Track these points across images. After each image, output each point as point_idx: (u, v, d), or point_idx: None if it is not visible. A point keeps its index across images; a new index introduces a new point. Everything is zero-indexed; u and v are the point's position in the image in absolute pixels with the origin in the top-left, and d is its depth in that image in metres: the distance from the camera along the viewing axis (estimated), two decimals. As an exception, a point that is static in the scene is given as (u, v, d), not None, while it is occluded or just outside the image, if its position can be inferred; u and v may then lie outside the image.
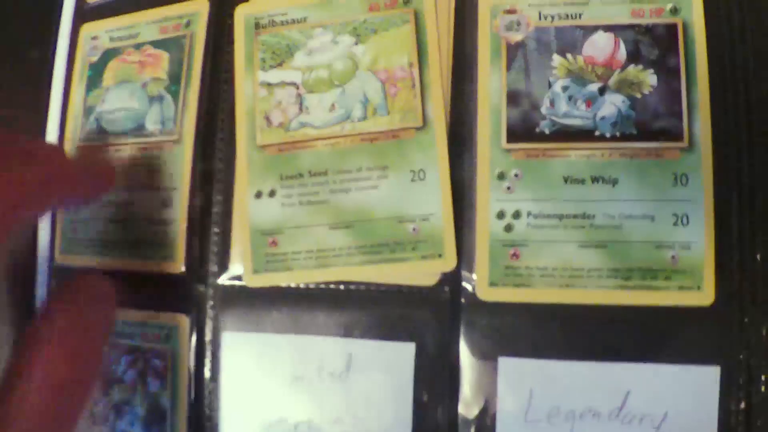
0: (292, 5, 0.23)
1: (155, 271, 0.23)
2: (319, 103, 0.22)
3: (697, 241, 0.19)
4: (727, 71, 0.20)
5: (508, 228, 0.20)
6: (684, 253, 0.19)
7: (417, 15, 0.22)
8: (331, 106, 0.22)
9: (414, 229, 0.21)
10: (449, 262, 0.20)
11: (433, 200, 0.21)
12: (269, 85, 0.23)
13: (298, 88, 0.23)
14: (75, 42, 0.26)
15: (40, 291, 0.26)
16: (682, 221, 0.19)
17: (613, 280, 0.20)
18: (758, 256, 0.19)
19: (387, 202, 0.21)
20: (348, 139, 0.22)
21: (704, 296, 0.19)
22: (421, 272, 0.21)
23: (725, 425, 0.19)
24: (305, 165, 0.22)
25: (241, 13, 0.24)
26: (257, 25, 0.23)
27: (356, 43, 0.22)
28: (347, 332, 0.21)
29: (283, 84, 0.23)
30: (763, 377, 0.19)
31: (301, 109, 0.22)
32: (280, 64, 0.23)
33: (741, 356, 0.19)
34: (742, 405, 0.19)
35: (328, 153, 0.22)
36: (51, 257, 0.26)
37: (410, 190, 0.21)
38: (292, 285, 0.21)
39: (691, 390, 0.19)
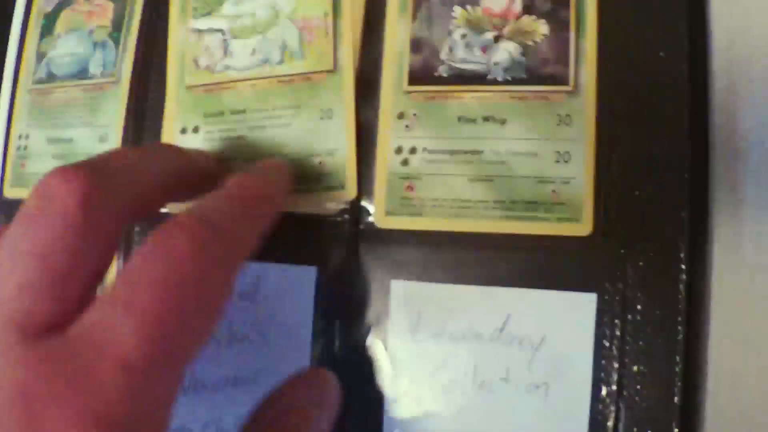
0: None
1: None
2: (242, 48, 0.24)
3: (576, 177, 0.21)
4: (613, 22, 0.21)
5: (405, 162, 0.22)
6: (564, 188, 0.21)
7: None
8: (252, 51, 0.24)
9: (320, 163, 0.23)
10: (350, 193, 0.22)
11: (338, 137, 0.23)
12: (199, 31, 0.25)
13: (224, 34, 0.24)
14: (33, -5, 0.29)
15: None
16: (563, 159, 0.21)
17: (498, 211, 0.21)
18: (636, 193, 0.21)
19: (298, 138, 0.23)
20: (266, 81, 0.23)
21: (582, 228, 0.21)
22: (324, 202, 0.22)
23: (600, 349, 0.20)
24: (227, 104, 0.24)
25: None
26: None
27: None
28: (260, 256, 0.23)
29: (211, 30, 0.25)
30: (638, 306, 0.20)
31: (225, 53, 0.24)
32: (209, 13, 0.25)
33: (618, 285, 0.20)
34: (617, 332, 0.20)
35: (248, 94, 0.24)
36: (1, 191, 0.28)
37: (319, 127, 0.23)
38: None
39: (568, 315, 0.20)
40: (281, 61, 0.24)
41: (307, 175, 0.23)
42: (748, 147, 0.21)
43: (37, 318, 0.14)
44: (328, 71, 0.23)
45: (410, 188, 0.22)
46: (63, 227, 0.15)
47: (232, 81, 0.24)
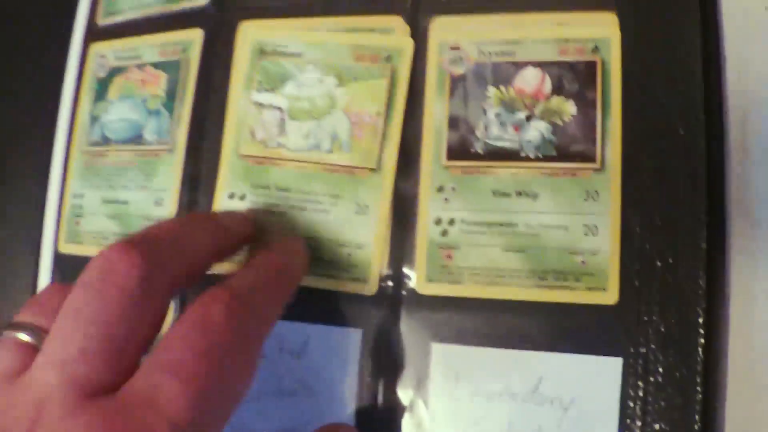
0: (294, 41, 0.26)
1: None
2: (297, 130, 0.25)
3: (603, 248, 0.22)
4: (638, 104, 0.23)
5: (444, 233, 0.24)
6: (592, 258, 0.22)
7: (393, 72, 0.25)
8: (306, 134, 0.25)
9: (349, 255, 0.24)
10: (371, 289, 0.24)
11: (369, 233, 0.24)
12: (260, 105, 0.26)
13: (282, 112, 0.26)
14: (84, 59, 0.30)
15: (43, 277, 0.30)
16: (591, 231, 0.22)
17: (530, 280, 0.23)
18: (658, 263, 0.22)
19: (333, 226, 0.25)
20: (313, 166, 0.25)
21: (609, 296, 0.22)
22: (349, 289, 0.24)
23: (625, 409, 0.22)
24: (274, 179, 0.25)
25: (248, 37, 0.27)
26: (261, 51, 0.27)
27: (338, 85, 0.25)
28: (310, 319, 0.25)
29: (271, 106, 0.26)
30: (660, 369, 0.22)
31: (281, 131, 0.26)
32: (272, 89, 0.26)
33: (641, 350, 0.22)
34: (641, 393, 0.21)
35: (294, 173, 0.25)
36: (55, 246, 0.30)
37: (352, 220, 0.25)
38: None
39: (596, 378, 0.22)
40: (330, 150, 0.25)
41: (335, 263, 0.25)
42: (762, 217, 0.22)
43: (96, 380, 0.16)
44: (371, 169, 0.25)
45: (449, 257, 0.23)
46: (123, 299, 0.16)
47: (282, 159, 0.26)
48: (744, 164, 0.23)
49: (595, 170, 0.23)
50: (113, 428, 0.15)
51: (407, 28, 0.25)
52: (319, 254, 0.25)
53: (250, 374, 0.18)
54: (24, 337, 0.18)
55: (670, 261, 0.22)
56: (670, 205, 0.22)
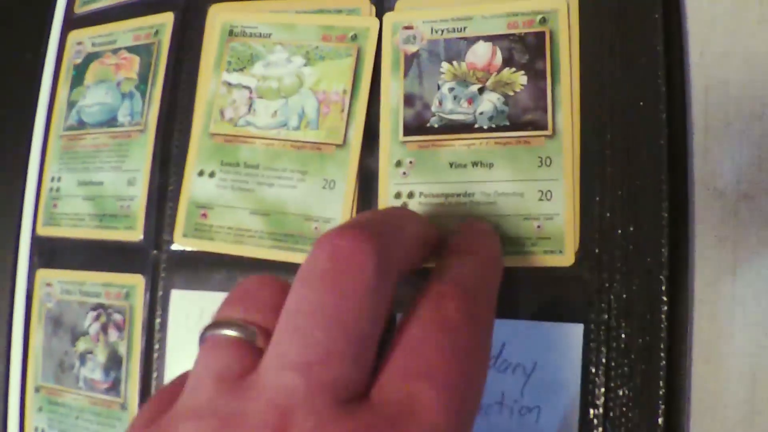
0: (262, 22, 0.27)
1: (120, 239, 0.28)
2: (264, 109, 0.26)
3: (559, 213, 0.22)
4: (595, 76, 0.23)
5: (404, 206, 0.24)
6: (548, 223, 0.22)
7: (359, 51, 0.26)
8: (273, 112, 0.26)
9: (316, 228, 0.25)
10: None
11: (336, 207, 0.25)
12: (229, 84, 0.27)
13: (251, 92, 0.27)
14: (63, 46, 0.32)
15: (22, 260, 0.31)
16: (546, 197, 0.23)
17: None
18: (618, 231, 0.22)
19: (300, 201, 0.25)
20: (281, 143, 0.26)
21: (565, 259, 0.22)
22: None
23: (587, 375, 0.22)
24: (243, 157, 0.26)
25: (217, 19, 0.28)
26: (231, 32, 0.27)
27: (305, 65, 0.26)
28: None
29: (240, 86, 0.27)
30: (623, 335, 0.22)
31: (249, 110, 0.26)
32: (241, 69, 0.27)
33: (603, 316, 0.22)
34: (603, 359, 0.22)
35: (262, 151, 0.26)
36: (33, 229, 0.31)
37: (320, 195, 0.25)
38: (229, 253, 0.26)
39: (558, 344, 0.22)
40: (297, 128, 0.26)
41: (303, 237, 0.25)
42: (724, 188, 0.23)
43: (346, 385, 0.14)
44: (337, 145, 0.25)
45: None
46: (364, 294, 0.15)
47: (250, 136, 0.26)
48: (706, 137, 0.23)
49: (547, 137, 0.23)
50: None
51: (372, 9, 0.26)
52: (287, 229, 0.25)
53: (487, 368, 0.18)
54: (236, 333, 0.16)
55: (631, 229, 0.22)
56: (632, 175, 0.23)
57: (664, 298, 0.22)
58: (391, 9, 0.26)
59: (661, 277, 0.22)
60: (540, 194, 0.23)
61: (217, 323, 0.16)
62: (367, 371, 0.15)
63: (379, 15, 0.26)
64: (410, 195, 0.24)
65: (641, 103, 0.23)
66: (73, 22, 0.32)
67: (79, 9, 0.32)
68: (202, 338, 0.16)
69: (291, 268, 0.25)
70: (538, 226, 0.23)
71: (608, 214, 0.23)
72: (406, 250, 0.18)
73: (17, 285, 0.31)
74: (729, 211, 0.23)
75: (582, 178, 0.23)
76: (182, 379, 0.17)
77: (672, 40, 0.23)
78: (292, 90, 0.26)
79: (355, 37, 0.26)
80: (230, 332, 0.16)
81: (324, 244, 0.15)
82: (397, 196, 0.25)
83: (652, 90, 0.23)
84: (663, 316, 0.22)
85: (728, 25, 0.24)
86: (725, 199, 0.23)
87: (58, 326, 0.29)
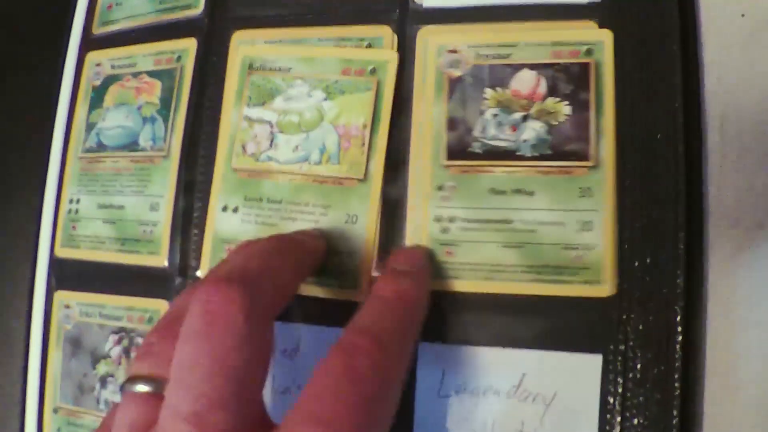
0: (282, 55, 0.27)
1: (143, 264, 0.28)
2: (286, 143, 0.27)
3: (598, 244, 0.23)
4: (625, 108, 0.24)
5: (444, 230, 0.25)
6: (587, 253, 0.23)
7: (379, 84, 0.26)
8: (295, 147, 0.26)
9: (340, 263, 0.25)
10: (363, 294, 0.25)
11: (359, 241, 0.25)
12: (250, 119, 0.27)
13: (272, 126, 0.27)
14: (80, 67, 0.32)
15: (40, 281, 0.31)
16: (586, 228, 0.24)
17: (528, 275, 0.23)
18: (636, 263, 0.23)
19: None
20: (303, 178, 0.26)
21: (603, 289, 0.23)
22: (336, 294, 0.25)
23: (605, 404, 0.23)
24: (266, 192, 0.26)
25: (239, 53, 0.28)
26: (251, 66, 0.28)
27: (326, 99, 0.27)
28: (299, 319, 0.26)
29: (261, 120, 0.27)
30: (638, 365, 0.23)
31: (271, 145, 0.27)
32: (262, 103, 0.27)
33: (620, 347, 0.22)
34: (620, 389, 0.23)
35: (285, 186, 0.26)
36: (51, 250, 0.31)
37: (343, 229, 0.26)
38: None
39: (577, 374, 0.23)
40: (319, 162, 0.26)
41: (327, 271, 0.26)
42: (739, 217, 0.23)
43: (241, 425, 0.16)
44: (359, 179, 0.26)
45: (450, 254, 0.25)
46: (236, 342, 0.17)
47: (272, 171, 0.27)
48: (722, 166, 0.24)
49: (589, 168, 0.24)
50: None
51: (395, 38, 0.27)
52: None
53: (393, 416, 0.19)
54: (144, 388, 0.18)
55: (649, 261, 0.23)
56: (650, 206, 0.23)
57: (680, 329, 0.22)
58: (413, 37, 0.27)
59: (676, 307, 0.23)
60: (580, 225, 0.24)
61: (130, 379, 0.19)
62: (253, 413, 0.17)
63: (402, 45, 0.27)
64: (451, 219, 0.25)
65: (659, 136, 0.24)
66: (90, 42, 0.32)
67: (97, 30, 0.32)
68: (121, 391, 0.19)
69: (314, 302, 0.26)
70: (577, 256, 0.24)
71: (627, 246, 0.24)
72: (281, 286, 0.20)
73: (34, 306, 0.31)
74: (745, 240, 0.23)
75: (617, 208, 0.24)
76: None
77: (689, 70, 0.24)
78: (313, 124, 0.26)
79: (374, 71, 0.26)
80: (140, 387, 0.18)
81: (196, 301, 0.17)
82: (438, 219, 0.25)
83: (670, 122, 0.24)
84: (678, 346, 0.22)
85: (744, 53, 0.25)
86: (740, 228, 0.24)
87: (77, 348, 0.29)
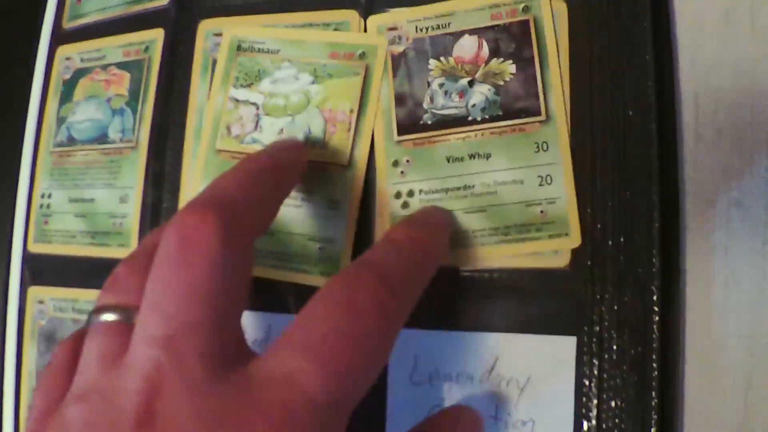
0: (271, 38, 0.27)
1: (114, 257, 0.28)
2: (271, 126, 0.27)
3: (560, 196, 0.23)
4: (576, 82, 0.24)
5: (405, 205, 0.25)
6: (550, 207, 0.23)
7: (368, 69, 0.26)
8: (280, 130, 0.26)
9: (320, 248, 0.25)
10: None
11: (340, 228, 0.25)
12: (237, 100, 0.27)
13: (258, 108, 0.27)
14: (51, 62, 0.32)
15: (14, 277, 0.31)
16: (546, 181, 0.23)
17: (494, 237, 0.23)
18: (609, 243, 0.23)
19: (305, 221, 0.26)
20: None
21: (572, 241, 0.23)
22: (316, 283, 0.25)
23: (581, 387, 0.22)
24: None
25: (228, 34, 0.28)
26: (239, 47, 0.28)
27: (313, 83, 0.26)
28: (269, 308, 0.26)
29: (247, 102, 0.27)
30: (614, 347, 0.22)
31: (256, 127, 0.27)
32: (249, 85, 0.27)
33: (595, 328, 0.22)
34: (596, 371, 0.22)
35: None
36: (25, 246, 0.31)
37: (325, 215, 0.25)
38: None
39: (551, 357, 0.22)
40: None
41: (306, 258, 0.26)
42: (715, 197, 0.23)
43: (209, 352, 0.15)
44: (342, 165, 0.26)
45: None
46: (211, 265, 0.16)
47: None
48: (697, 145, 0.24)
49: (542, 122, 0.24)
50: (247, 403, 0.15)
51: (362, 22, 0.26)
52: (291, 249, 0.26)
53: (387, 359, 0.18)
54: (113, 317, 0.17)
55: (623, 241, 0.23)
56: (622, 186, 0.23)
57: (656, 309, 0.22)
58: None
59: (653, 287, 0.22)
60: (540, 179, 0.24)
61: (97, 310, 0.18)
62: (231, 339, 0.16)
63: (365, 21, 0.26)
64: (410, 194, 0.25)
65: (630, 113, 0.24)
66: (61, 37, 0.31)
67: (68, 24, 0.32)
68: (88, 325, 0.18)
69: (293, 288, 0.26)
70: (542, 212, 0.23)
71: (599, 226, 0.23)
72: (261, 208, 0.19)
73: (9, 302, 0.31)
74: (720, 220, 0.23)
75: (574, 162, 0.24)
76: (65, 361, 0.19)
77: (662, 48, 0.24)
78: (299, 108, 0.26)
79: (363, 55, 0.26)
80: (108, 317, 0.17)
81: (171, 225, 0.17)
82: (398, 195, 0.25)
83: (642, 100, 0.23)
84: (655, 327, 0.22)
85: (718, 32, 0.24)
86: (716, 207, 0.24)
87: (52, 344, 0.29)
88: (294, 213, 0.26)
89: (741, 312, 0.23)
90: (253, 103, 0.27)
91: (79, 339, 0.19)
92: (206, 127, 0.28)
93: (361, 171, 0.25)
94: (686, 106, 0.25)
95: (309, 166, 0.26)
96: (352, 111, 0.26)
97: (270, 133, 0.27)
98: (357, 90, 0.26)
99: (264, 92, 0.27)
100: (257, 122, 0.27)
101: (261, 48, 0.28)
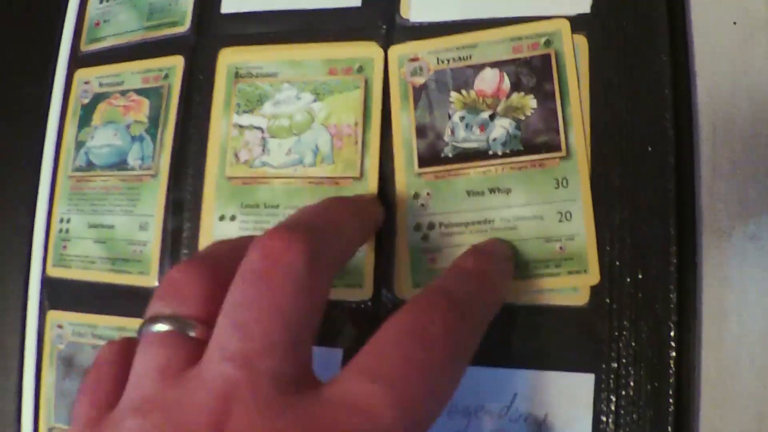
0: (267, 61, 0.28)
1: (133, 284, 0.29)
2: (278, 147, 0.27)
3: (580, 232, 0.23)
4: (595, 90, 0.24)
5: (425, 238, 0.25)
6: (570, 243, 0.23)
7: (367, 82, 0.27)
8: (288, 150, 0.27)
9: None
10: (367, 293, 0.25)
11: None
12: (240, 126, 0.28)
13: (263, 132, 0.27)
14: (69, 85, 0.32)
15: (32, 300, 0.32)
16: (565, 217, 0.24)
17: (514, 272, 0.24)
18: (627, 280, 0.23)
19: None
20: (298, 181, 0.26)
21: (591, 277, 0.23)
22: (346, 296, 0.26)
23: (598, 423, 0.23)
24: (262, 198, 0.27)
25: (224, 62, 0.29)
26: (237, 74, 0.28)
27: (315, 100, 0.27)
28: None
29: (251, 127, 0.28)
30: (631, 383, 0.23)
31: (263, 150, 0.27)
32: (251, 110, 0.28)
33: (612, 365, 0.23)
34: (612, 407, 0.23)
35: (281, 190, 0.27)
36: (43, 270, 0.32)
37: None
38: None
39: (569, 393, 0.23)
40: (313, 164, 0.27)
41: None
42: (732, 230, 0.24)
43: (285, 374, 0.16)
44: (354, 178, 0.26)
45: (433, 260, 0.25)
46: (296, 288, 0.16)
47: (267, 177, 0.27)
48: (714, 178, 0.24)
49: (562, 158, 0.24)
50: (321, 428, 0.15)
51: (382, 53, 0.27)
52: None
53: (457, 387, 0.18)
54: (169, 327, 0.17)
55: (640, 277, 0.23)
56: (640, 221, 0.24)
57: (673, 344, 0.23)
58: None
59: (670, 323, 0.23)
60: (559, 216, 0.24)
61: (152, 318, 0.17)
62: (304, 363, 0.16)
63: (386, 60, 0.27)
64: (430, 226, 0.25)
65: (649, 148, 0.24)
66: (79, 60, 0.32)
67: (85, 47, 0.33)
68: (140, 335, 0.18)
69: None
70: (561, 248, 0.24)
71: (618, 263, 0.24)
72: (344, 243, 0.20)
73: (28, 325, 0.32)
74: (736, 253, 0.24)
75: (593, 194, 0.24)
76: (112, 369, 0.18)
77: (679, 80, 0.24)
78: (304, 126, 0.27)
79: (361, 69, 0.27)
80: (164, 326, 0.17)
81: (257, 244, 0.17)
82: (417, 228, 0.26)
83: (660, 133, 0.24)
84: (671, 362, 0.23)
85: (736, 65, 0.25)
86: (732, 240, 0.24)
87: (70, 368, 0.30)
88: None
89: (754, 345, 0.23)
90: (258, 128, 0.28)
91: (126, 346, 0.19)
92: (212, 156, 0.28)
93: (374, 181, 0.26)
94: (704, 138, 0.25)
95: (322, 182, 0.26)
96: (356, 124, 0.26)
97: (279, 154, 0.27)
98: (359, 103, 0.27)
99: (267, 115, 0.28)
100: (264, 145, 0.28)
101: (259, 72, 0.28)
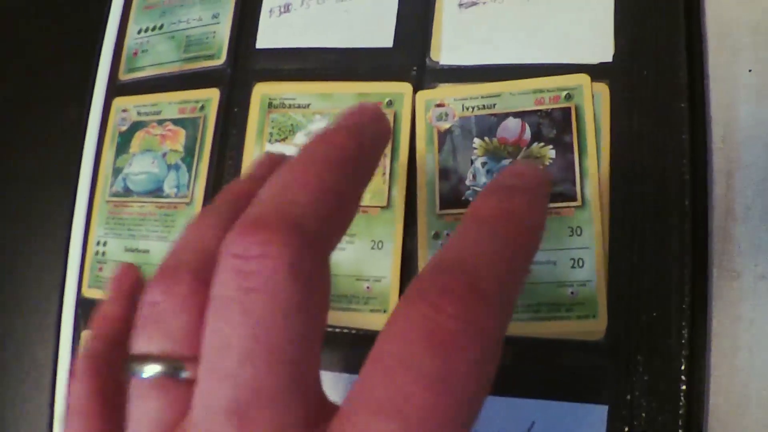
0: (300, 93, 0.30)
1: None
2: None
3: (591, 279, 0.25)
4: (615, 136, 0.26)
5: None
6: (581, 289, 0.25)
7: (396, 115, 0.29)
8: None
9: (367, 288, 0.28)
10: None
11: (386, 266, 0.28)
12: None
13: None
14: (107, 112, 0.35)
15: (66, 320, 0.34)
16: (578, 264, 0.26)
17: (525, 314, 0.26)
18: (643, 318, 0.25)
19: (350, 262, 0.28)
20: None
21: (598, 323, 0.25)
22: (366, 323, 0.27)
23: None
24: None
25: (258, 92, 0.31)
26: (270, 104, 0.31)
27: None
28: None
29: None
30: (643, 414, 0.24)
31: None
32: (283, 139, 0.30)
33: (626, 397, 0.24)
34: None
35: None
36: (78, 291, 0.34)
37: (370, 255, 0.28)
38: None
39: (584, 424, 0.24)
40: None
41: (355, 297, 0.28)
42: (743, 270, 0.25)
43: (297, 420, 0.13)
44: (381, 207, 0.28)
45: None
46: (281, 312, 0.13)
47: None
48: (727, 220, 0.26)
49: (577, 208, 0.26)
50: None
51: (411, 89, 0.29)
52: (340, 290, 0.28)
53: (484, 399, 0.13)
54: (159, 369, 0.15)
55: (655, 315, 0.25)
56: (657, 262, 0.25)
57: (684, 378, 0.25)
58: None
59: (681, 358, 0.25)
60: (572, 262, 0.26)
61: (139, 357, 0.15)
62: (313, 393, 0.14)
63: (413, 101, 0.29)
64: None
65: (667, 192, 0.26)
66: (117, 88, 0.35)
67: (124, 76, 0.35)
68: (130, 371, 0.15)
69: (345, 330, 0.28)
70: (572, 293, 0.26)
71: (633, 301, 0.26)
72: (337, 217, 0.15)
73: (61, 345, 0.34)
74: (747, 292, 0.26)
75: (609, 272, 0.26)
76: (100, 400, 0.16)
77: (696, 126, 0.26)
78: None
79: (391, 103, 0.29)
80: (154, 369, 0.15)
81: (226, 254, 0.14)
82: None
83: (677, 179, 0.26)
84: (682, 395, 0.24)
85: (750, 110, 0.27)
86: (743, 280, 0.26)
87: (103, 386, 0.32)
88: (340, 256, 0.29)
89: (764, 379, 0.25)
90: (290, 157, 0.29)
91: (109, 370, 0.17)
92: (245, 185, 0.30)
93: (400, 210, 0.28)
94: (718, 182, 0.27)
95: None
96: (384, 155, 0.28)
97: (310, 182, 0.29)
98: (387, 136, 0.29)
99: (299, 144, 0.30)
100: (296, 176, 0.29)
101: (291, 104, 0.30)
